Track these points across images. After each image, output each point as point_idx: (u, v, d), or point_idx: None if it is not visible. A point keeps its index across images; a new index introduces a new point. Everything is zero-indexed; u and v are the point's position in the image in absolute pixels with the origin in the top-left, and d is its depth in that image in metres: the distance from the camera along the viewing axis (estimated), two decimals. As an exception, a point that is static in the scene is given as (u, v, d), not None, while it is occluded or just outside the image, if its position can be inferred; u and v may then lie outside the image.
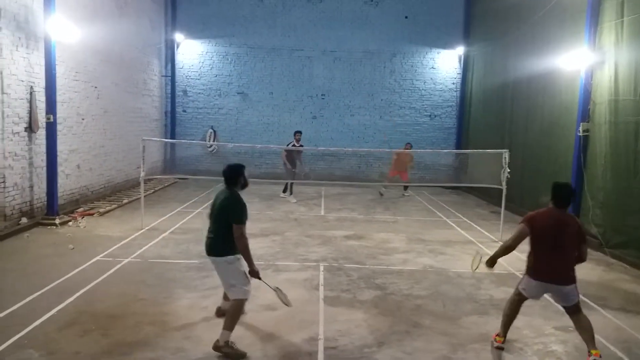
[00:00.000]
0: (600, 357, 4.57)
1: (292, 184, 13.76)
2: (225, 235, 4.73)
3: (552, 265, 4.68)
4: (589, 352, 4.60)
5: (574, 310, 4.77)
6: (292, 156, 13.59)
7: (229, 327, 4.70)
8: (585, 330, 4.69)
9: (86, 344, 4.76)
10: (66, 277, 6.62)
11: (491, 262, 4.96)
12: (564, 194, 4.73)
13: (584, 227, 4.72)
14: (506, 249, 4.84)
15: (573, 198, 4.82)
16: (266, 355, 4.69)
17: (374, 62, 17.90)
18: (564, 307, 4.85)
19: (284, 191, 13.93)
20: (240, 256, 4.80)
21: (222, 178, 4.93)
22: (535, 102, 12.10)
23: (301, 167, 13.97)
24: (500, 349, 4.96)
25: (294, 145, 13.48)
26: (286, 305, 5.14)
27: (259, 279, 4.91)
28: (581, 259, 4.76)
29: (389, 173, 15.25)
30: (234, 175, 4.90)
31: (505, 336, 5.03)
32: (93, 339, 4.87)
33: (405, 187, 15.34)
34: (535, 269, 4.77)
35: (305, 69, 17.91)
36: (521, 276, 5.05)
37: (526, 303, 6.34)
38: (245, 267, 4.83)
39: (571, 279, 4.70)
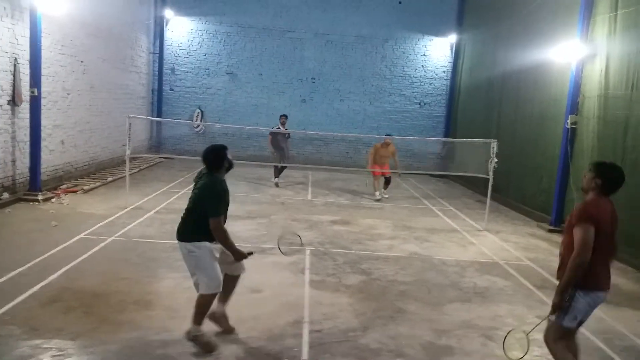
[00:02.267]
0: None
1: (277, 167, 13.44)
2: (196, 221, 4.30)
3: (608, 267, 3.86)
4: None
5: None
6: (277, 140, 13.14)
7: (197, 321, 4.40)
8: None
9: (69, 321, 4.71)
10: (49, 253, 6.53)
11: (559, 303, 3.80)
12: (620, 177, 3.79)
13: None
14: (577, 268, 3.63)
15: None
16: (251, 337, 4.68)
17: (366, 47, 17.74)
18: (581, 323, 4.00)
19: (276, 177, 13.40)
20: (207, 244, 4.33)
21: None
22: (525, 94, 12.13)
23: (287, 153, 13.42)
24: None
25: (278, 128, 13.06)
26: (283, 253, 4.93)
27: (246, 257, 4.49)
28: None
29: (372, 174, 12.48)
30: (217, 160, 4.39)
31: None
32: (76, 317, 4.82)
33: (387, 184, 12.59)
34: (595, 275, 3.73)
35: (296, 51, 17.68)
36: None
37: (508, 291, 6.47)
38: (228, 257, 4.48)
39: None
